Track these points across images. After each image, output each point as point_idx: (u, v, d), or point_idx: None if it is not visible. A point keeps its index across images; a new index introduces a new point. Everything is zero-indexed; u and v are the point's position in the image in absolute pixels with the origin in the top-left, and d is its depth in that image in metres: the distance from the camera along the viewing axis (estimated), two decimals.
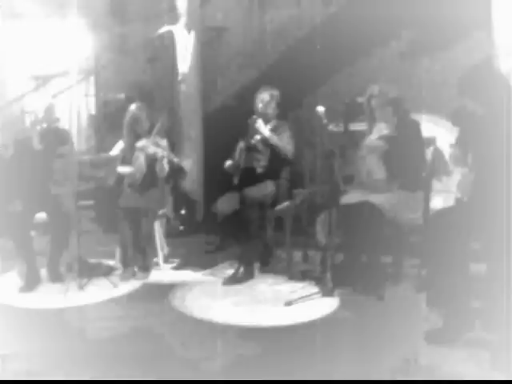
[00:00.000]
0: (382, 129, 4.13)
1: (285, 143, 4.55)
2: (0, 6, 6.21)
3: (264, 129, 4.58)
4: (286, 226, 4.50)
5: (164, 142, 4.72)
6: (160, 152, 4.58)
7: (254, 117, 4.61)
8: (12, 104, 6.61)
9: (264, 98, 4.65)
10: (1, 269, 4.71)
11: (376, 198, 3.86)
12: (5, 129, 6.18)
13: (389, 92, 4.10)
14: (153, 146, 4.61)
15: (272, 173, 4.57)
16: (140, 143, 4.66)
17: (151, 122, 4.79)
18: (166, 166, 4.60)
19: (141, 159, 4.64)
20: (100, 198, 4.89)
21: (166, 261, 4.78)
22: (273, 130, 4.61)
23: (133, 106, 4.78)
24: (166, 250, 4.85)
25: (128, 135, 4.76)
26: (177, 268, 4.80)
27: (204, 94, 6.32)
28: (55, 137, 4.52)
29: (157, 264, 4.73)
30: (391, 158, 4.00)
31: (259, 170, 4.59)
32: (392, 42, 5.58)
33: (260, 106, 4.66)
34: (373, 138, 4.12)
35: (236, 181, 4.61)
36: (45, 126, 4.49)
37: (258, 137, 4.60)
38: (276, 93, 4.69)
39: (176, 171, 4.77)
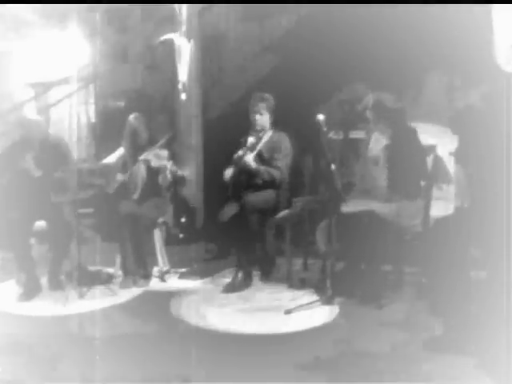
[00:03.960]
0: (379, 137, 4.14)
1: (277, 160, 4.48)
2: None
3: (252, 162, 4.49)
4: (287, 234, 4.49)
5: (165, 154, 4.68)
6: (163, 165, 4.58)
7: (241, 153, 4.52)
8: (12, 112, 6.61)
9: (257, 112, 4.57)
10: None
11: (377, 206, 3.87)
12: (4, 137, 6.18)
13: (384, 101, 4.10)
14: (155, 159, 4.60)
15: (269, 184, 4.53)
16: (143, 156, 4.64)
17: (150, 132, 4.79)
18: (169, 177, 4.61)
19: (142, 169, 4.64)
20: (100, 206, 4.88)
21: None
22: (266, 146, 4.55)
23: (131, 117, 4.75)
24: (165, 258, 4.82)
25: (128, 146, 4.75)
26: (179, 277, 4.78)
27: (204, 102, 6.33)
28: (53, 156, 4.46)
29: (158, 276, 4.70)
30: (391, 166, 4.01)
31: (258, 182, 4.57)
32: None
33: (254, 119, 4.59)
34: (372, 147, 4.13)
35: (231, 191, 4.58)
36: (37, 147, 4.42)
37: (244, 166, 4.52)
38: (269, 101, 4.59)
39: (177, 180, 4.77)
